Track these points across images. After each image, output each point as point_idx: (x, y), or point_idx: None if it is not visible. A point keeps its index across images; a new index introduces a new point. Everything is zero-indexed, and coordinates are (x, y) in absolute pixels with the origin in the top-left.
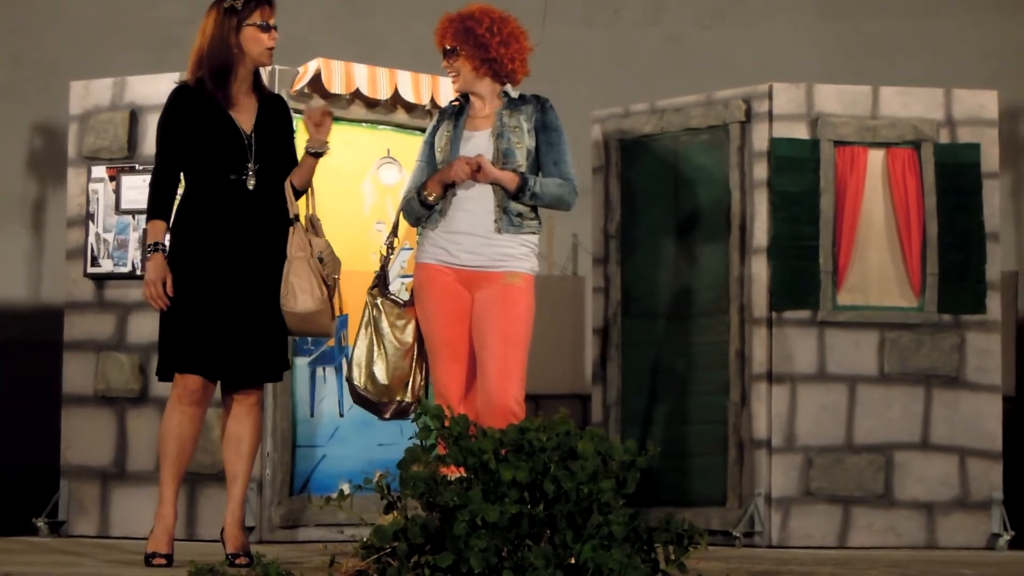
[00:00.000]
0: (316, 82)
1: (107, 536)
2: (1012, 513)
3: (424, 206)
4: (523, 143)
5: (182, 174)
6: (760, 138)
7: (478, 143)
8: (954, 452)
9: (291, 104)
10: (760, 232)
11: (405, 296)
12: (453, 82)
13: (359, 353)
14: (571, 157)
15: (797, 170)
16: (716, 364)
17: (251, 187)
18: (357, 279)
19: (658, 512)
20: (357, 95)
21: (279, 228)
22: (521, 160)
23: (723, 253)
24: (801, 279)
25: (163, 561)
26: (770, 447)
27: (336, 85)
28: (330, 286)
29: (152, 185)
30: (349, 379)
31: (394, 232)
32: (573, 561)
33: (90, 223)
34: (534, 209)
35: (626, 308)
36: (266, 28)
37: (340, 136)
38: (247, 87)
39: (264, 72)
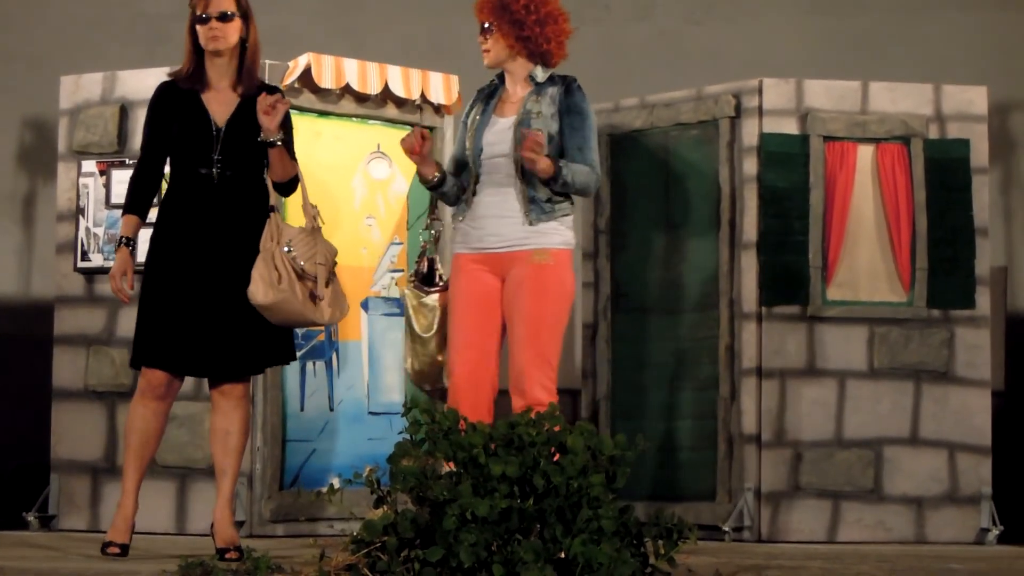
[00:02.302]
0: (306, 77)
1: (97, 530)
2: (1001, 508)
3: (430, 188)
4: (545, 129)
5: (167, 169)
6: (750, 133)
7: (500, 130)
8: (943, 447)
9: None
10: (750, 227)
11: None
12: (483, 58)
13: (407, 343)
14: (595, 142)
15: (787, 165)
16: (706, 359)
17: (214, 181)
18: (348, 274)
19: (648, 507)
20: (347, 90)
21: (255, 221)
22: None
23: (713, 248)
24: (790, 274)
25: (117, 550)
26: (760, 442)
27: (326, 80)
28: (300, 272)
29: (130, 180)
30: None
31: (433, 214)
32: (563, 555)
33: (80, 217)
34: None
35: (616, 303)
36: (202, 20)
37: (330, 131)
38: (228, 80)
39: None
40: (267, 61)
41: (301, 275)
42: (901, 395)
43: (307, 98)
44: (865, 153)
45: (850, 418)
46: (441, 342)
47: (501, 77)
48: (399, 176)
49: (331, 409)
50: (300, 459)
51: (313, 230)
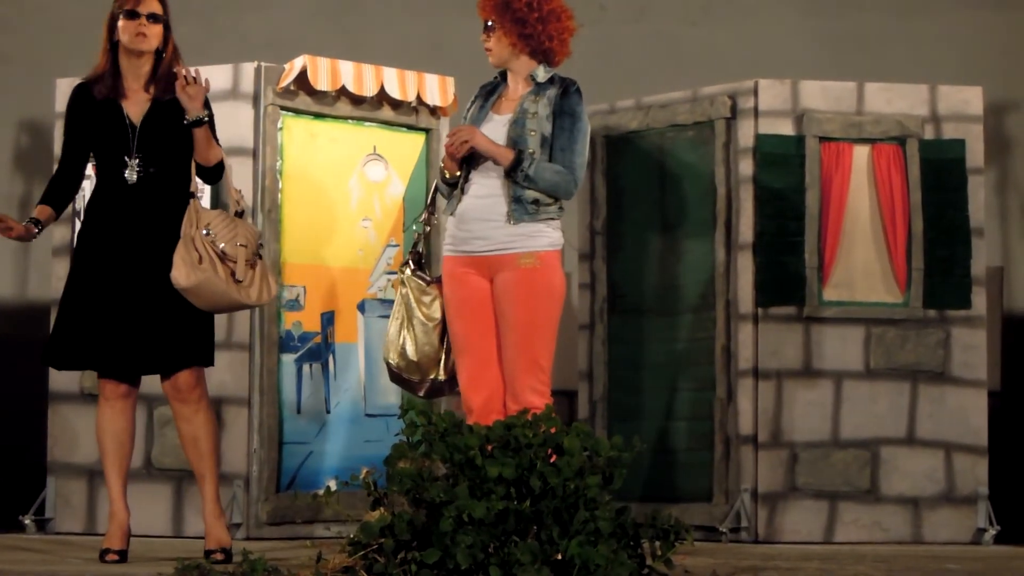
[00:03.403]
0: (302, 79)
1: (94, 533)
2: (997, 508)
3: (446, 183)
4: (538, 130)
5: (92, 170)
6: (746, 134)
7: (493, 127)
8: (940, 447)
9: (279, 102)
10: (746, 228)
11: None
12: (488, 57)
13: (392, 331)
14: (583, 147)
15: (782, 166)
16: (702, 360)
17: (131, 180)
18: (344, 276)
19: (644, 508)
20: (343, 92)
21: (176, 217)
22: (533, 147)
23: (709, 249)
24: (787, 275)
25: (116, 557)
26: (756, 443)
27: (322, 82)
28: (221, 255)
29: (48, 182)
30: (384, 358)
31: (430, 209)
32: (559, 557)
33: (76, 220)
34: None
35: (612, 304)
36: (132, 15)
37: (327, 133)
38: (142, 82)
39: (249, 69)
40: (263, 64)
41: (223, 257)
42: (897, 395)
43: (303, 100)
44: (861, 154)
45: (846, 418)
46: (443, 331)
47: (504, 74)
48: (395, 178)
49: (328, 411)
50: (297, 461)
51: (235, 214)
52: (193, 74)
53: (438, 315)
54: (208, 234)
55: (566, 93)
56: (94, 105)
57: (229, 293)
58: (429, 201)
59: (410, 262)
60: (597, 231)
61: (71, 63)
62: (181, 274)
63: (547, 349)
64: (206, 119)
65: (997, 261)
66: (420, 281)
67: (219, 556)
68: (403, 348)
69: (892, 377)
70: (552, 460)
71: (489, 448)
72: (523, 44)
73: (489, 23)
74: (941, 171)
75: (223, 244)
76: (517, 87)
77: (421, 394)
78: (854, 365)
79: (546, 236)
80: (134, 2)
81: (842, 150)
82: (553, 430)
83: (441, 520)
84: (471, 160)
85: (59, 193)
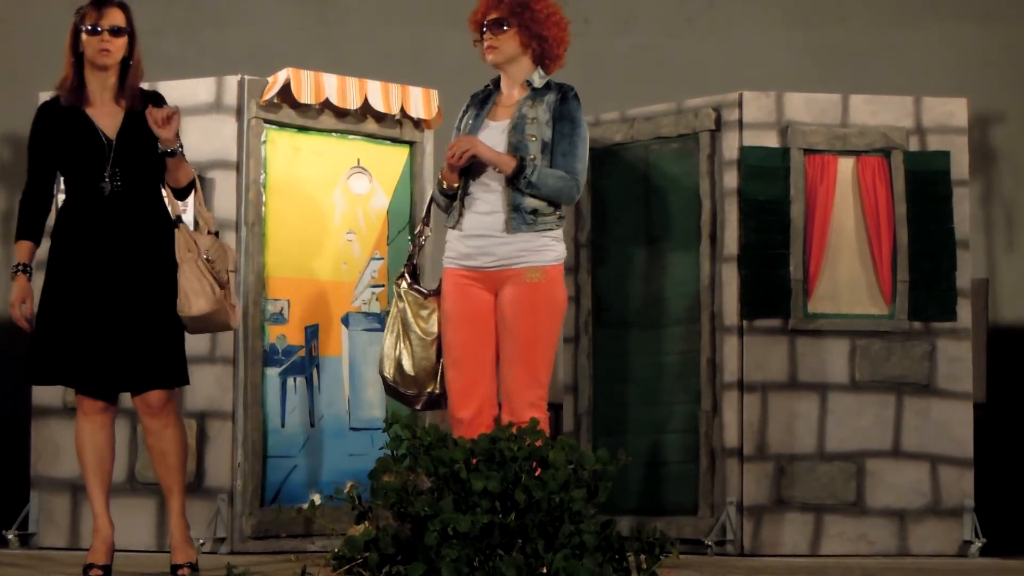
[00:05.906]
0: (286, 92)
1: (77, 548)
2: (983, 520)
3: (444, 194)
4: (538, 136)
5: (63, 184)
6: (730, 146)
7: (492, 134)
8: (925, 460)
9: (262, 115)
10: (731, 240)
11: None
12: (488, 54)
13: (388, 344)
14: (584, 152)
15: (767, 178)
16: (687, 373)
17: (106, 193)
18: (329, 289)
19: (630, 521)
20: (327, 105)
21: (153, 232)
22: (534, 153)
23: (694, 262)
24: (772, 287)
25: (99, 572)
26: (741, 455)
27: (306, 95)
28: (223, 281)
29: (19, 204)
30: (380, 371)
31: (426, 221)
32: (545, 571)
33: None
34: (552, 203)
35: (597, 317)
36: (94, 31)
37: (310, 146)
38: (110, 93)
39: (233, 82)
40: (246, 76)
41: (220, 284)
42: (883, 408)
43: (287, 113)
44: (845, 166)
45: (832, 431)
46: (440, 345)
47: (496, 83)
48: (379, 191)
49: (312, 425)
50: (281, 475)
51: (217, 236)
52: (164, 115)
53: (435, 329)
54: (209, 260)
55: (565, 99)
56: (62, 119)
57: (228, 319)
58: (425, 213)
59: (406, 275)
60: (582, 243)
61: (53, 77)
62: (195, 303)
63: (547, 365)
64: (179, 150)
65: (982, 273)
66: (418, 295)
67: (185, 571)
68: (399, 362)
69: (877, 389)
70: (537, 473)
71: (474, 461)
72: (535, 44)
73: (501, 20)
74: (926, 183)
75: (219, 270)
76: (512, 93)
77: (418, 407)
78: (839, 377)
79: (552, 250)
80: (95, 16)
81: (827, 162)
82: (538, 443)
83: (426, 534)
84: (470, 171)
85: (37, 221)
